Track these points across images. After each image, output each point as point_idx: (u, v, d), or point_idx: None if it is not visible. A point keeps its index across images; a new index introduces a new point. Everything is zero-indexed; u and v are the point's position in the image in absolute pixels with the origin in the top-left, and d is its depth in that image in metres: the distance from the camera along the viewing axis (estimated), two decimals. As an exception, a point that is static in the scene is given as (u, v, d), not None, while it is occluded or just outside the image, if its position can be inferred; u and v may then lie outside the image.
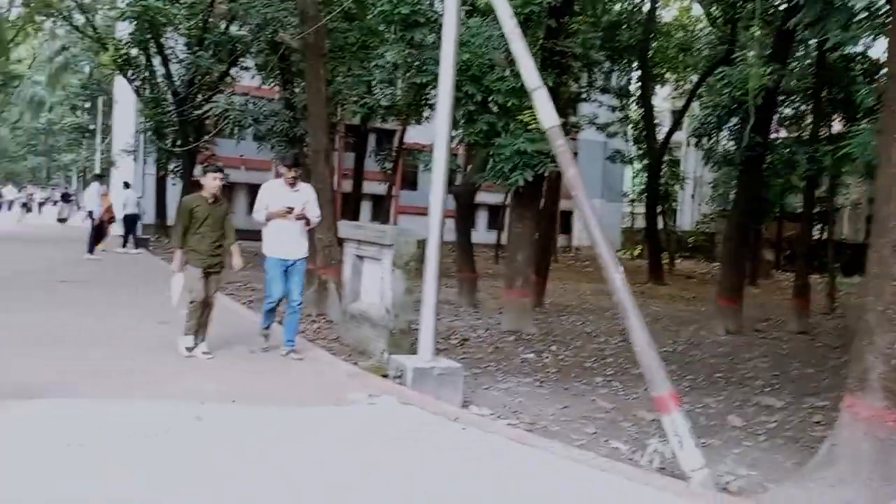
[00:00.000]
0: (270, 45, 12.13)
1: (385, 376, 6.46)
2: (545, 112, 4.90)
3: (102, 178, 18.18)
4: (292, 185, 7.22)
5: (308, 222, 7.38)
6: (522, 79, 5.23)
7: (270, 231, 7.18)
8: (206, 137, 21.60)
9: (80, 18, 30.68)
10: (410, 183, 33.16)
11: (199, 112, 17.16)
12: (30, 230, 26.01)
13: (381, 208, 28.58)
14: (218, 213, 6.90)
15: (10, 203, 40.21)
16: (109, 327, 8.17)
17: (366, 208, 30.15)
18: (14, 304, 9.21)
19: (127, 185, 19.80)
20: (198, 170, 25.19)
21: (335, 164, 18.22)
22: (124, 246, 18.96)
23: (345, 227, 9.18)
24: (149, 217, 24.16)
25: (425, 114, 14.77)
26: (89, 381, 5.67)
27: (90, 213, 17.05)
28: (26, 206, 32.75)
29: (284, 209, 7.00)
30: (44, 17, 28.57)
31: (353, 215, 20.67)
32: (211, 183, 6.83)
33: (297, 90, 12.50)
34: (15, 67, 41.48)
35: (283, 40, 10.69)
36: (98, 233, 17.02)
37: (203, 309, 6.89)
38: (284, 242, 7.15)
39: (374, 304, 8.16)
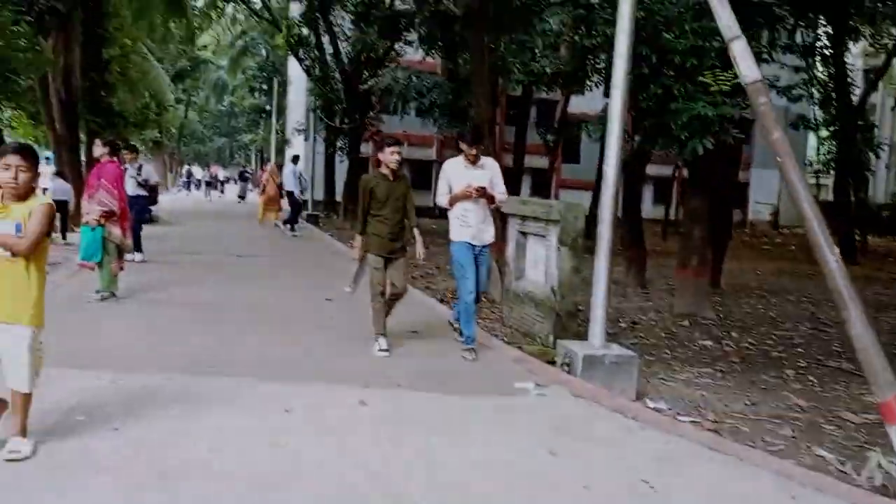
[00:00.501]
0: (434, 16, 11.93)
1: (551, 362, 6.03)
2: (746, 65, 4.20)
3: (297, 158, 18.95)
4: (474, 161, 6.49)
5: (493, 200, 6.62)
6: (719, 28, 4.52)
7: (456, 214, 6.45)
8: (372, 113, 22.01)
9: (257, 2, 32.59)
10: (572, 155, 32.15)
11: (365, 87, 17.38)
12: (212, 206, 27.91)
13: (542, 182, 27.94)
14: (398, 191, 6.23)
15: (199, 182, 43.66)
16: (282, 304, 8.38)
17: (526, 182, 29.64)
18: (194, 279, 9.73)
19: (296, 160, 19.94)
20: (364, 146, 26.08)
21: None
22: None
23: (508, 203, 8.78)
24: (318, 194, 25.15)
25: (592, 80, 14.00)
26: (253, 363, 5.70)
27: (290, 194, 17.85)
28: (210, 185, 35.33)
29: (470, 189, 6.28)
30: (224, 2, 30.37)
31: (513, 190, 20.18)
32: (389, 157, 6.18)
33: (460, 62, 12.26)
34: (201, 53, 44.74)
35: (446, 8, 10.44)
36: (296, 211, 17.91)
37: (392, 300, 6.38)
38: (472, 226, 6.40)
39: (538, 283, 7.76)
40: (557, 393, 5.19)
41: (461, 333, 6.50)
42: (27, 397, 3.53)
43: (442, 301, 9.39)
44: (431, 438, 4.16)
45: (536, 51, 12.27)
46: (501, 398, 5.15)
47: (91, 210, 7.64)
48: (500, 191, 6.69)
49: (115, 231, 7.77)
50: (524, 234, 8.35)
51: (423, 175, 32.60)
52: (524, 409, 4.92)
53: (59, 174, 14.86)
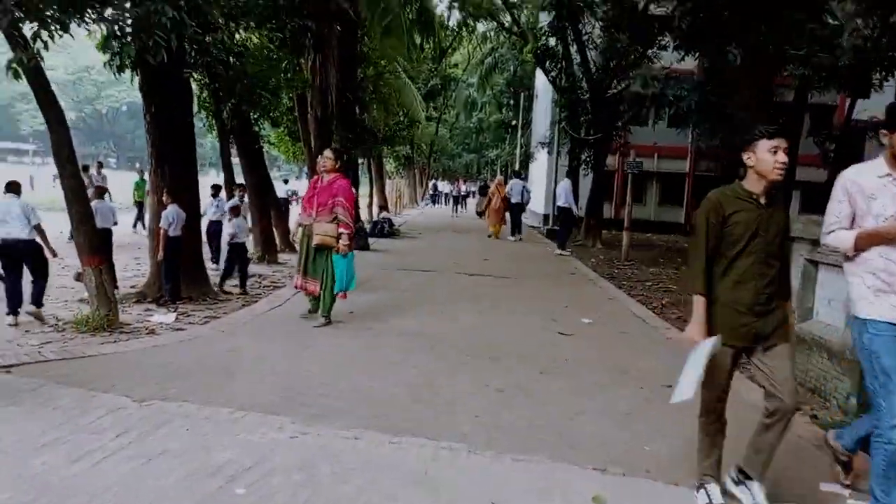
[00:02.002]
0: (696, 7, 10.31)
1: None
2: None
3: (520, 174, 18.37)
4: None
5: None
6: None
7: (871, 266, 3.42)
8: (620, 123, 20.53)
9: (507, 19, 32.67)
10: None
11: (614, 92, 16.01)
12: (457, 222, 28.02)
13: (816, 198, 24.23)
14: (774, 225, 3.40)
15: (445, 196, 44.84)
16: (509, 337, 7.31)
17: (795, 198, 26.12)
18: (419, 301, 9.02)
19: (518, 175, 20.21)
20: (610, 159, 24.64)
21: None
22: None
23: (794, 223, 6.93)
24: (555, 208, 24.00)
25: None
26: (459, 419, 4.62)
27: (563, 210, 17.11)
28: (457, 200, 35.79)
29: None
30: (474, 21, 30.74)
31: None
32: (766, 161, 3.33)
33: (729, 57, 10.51)
34: (452, 72, 46.03)
35: (713, -6, 8.86)
36: (568, 229, 17.30)
37: (772, 423, 3.39)
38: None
39: (831, 327, 5.96)
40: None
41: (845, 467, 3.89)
42: None
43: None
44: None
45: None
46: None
47: (324, 230, 7.09)
48: None
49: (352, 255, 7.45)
50: (814, 263, 6.59)
51: (675, 190, 30.27)
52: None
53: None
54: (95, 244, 7.50)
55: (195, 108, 12.02)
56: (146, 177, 14.99)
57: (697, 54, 12.37)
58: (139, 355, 5.58)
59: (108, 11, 6.97)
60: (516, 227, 20.83)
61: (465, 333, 7.13)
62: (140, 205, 17.69)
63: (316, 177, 7.51)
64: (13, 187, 7.85)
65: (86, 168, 15.75)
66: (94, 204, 9.34)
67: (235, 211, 10.54)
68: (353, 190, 7.54)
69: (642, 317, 8.65)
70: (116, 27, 7.00)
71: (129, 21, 7.05)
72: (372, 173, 28.34)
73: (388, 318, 7.66)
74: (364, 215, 23.39)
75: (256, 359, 5.60)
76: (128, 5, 7.26)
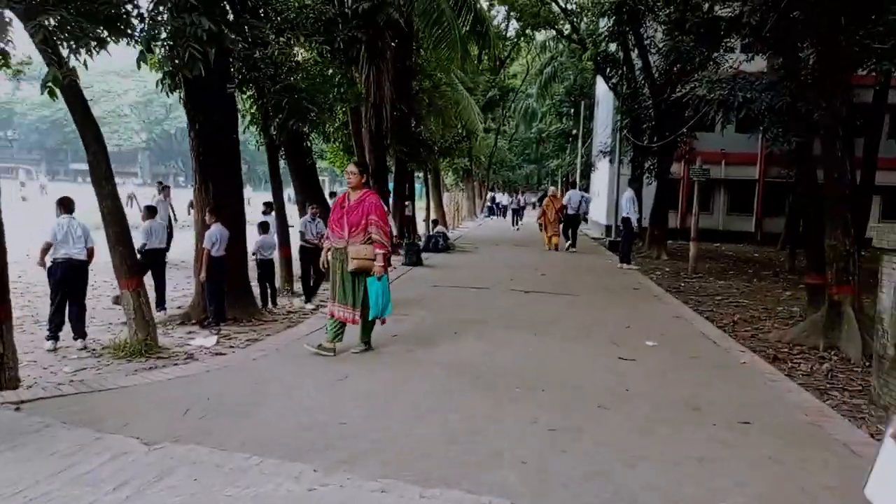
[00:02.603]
0: (767, 8, 9.54)
1: None
2: None
3: (633, 183, 17.58)
4: None
5: None
6: None
7: None
8: (684, 129, 19.65)
9: (566, 27, 32.07)
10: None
11: (679, 95, 15.23)
12: (517, 234, 27.41)
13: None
14: None
15: (504, 208, 44.24)
16: (564, 364, 6.71)
17: (875, 203, 24.59)
18: (468, 323, 8.51)
19: (574, 185, 19.70)
20: (675, 166, 23.70)
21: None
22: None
23: (886, 233, 6.17)
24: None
25: None
26: (505, 467, 4.09)
27: (625, 220, 16.42)
28: (517, 212, 35.10)
29: None
30: (533, 30, 30.20)
31: (861, 214, 16.41)
32: None
33: (804, 55, 9.67)
34: (511, 82, 45.50)
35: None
36: (630, 241, 16.61)
37: None
38: None
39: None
40: None
41: None
42: None
43: None
44: None
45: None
46: None
47: (361, 253, 6.49)
48: None
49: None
50: (918, 281, 5.84)
51: (745, 198, 28.98)
52: None
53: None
54: (133, 266, 7.27)
55: (245, 124, 11.90)
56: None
57: (768, 54, 11.51)
58: (162, 388, 5.23)
59: (141, 26, 6.74)
60: (571, 238, 20.91)
61: (517, 360, 6.54)
62: None
63: (341, 195, 6.97)
64: (69, 205, 7.69)
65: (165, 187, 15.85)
66: (145, 224, 9.22)
67: (264, 227, 10.47)
68: (384, 206, 6.94)
69: (712, 338, 7.93)
70: (152, 42, 6.76)
71: (163, 35, 6.81)
72: (429, 186, 28.01)
73: (434, 344, 7.12)
74: (421, 229, 23.08)
75: (285, 391, 5.18)
76: (166, 17, 7.06)
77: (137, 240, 8.54)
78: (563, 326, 8.30)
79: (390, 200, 19.34)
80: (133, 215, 9.13)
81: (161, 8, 6.92)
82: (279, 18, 11.44)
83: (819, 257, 9.54)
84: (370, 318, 6.64)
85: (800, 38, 9.80)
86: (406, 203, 20.48)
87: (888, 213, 24.74)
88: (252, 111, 11.32)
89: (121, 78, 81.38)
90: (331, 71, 14.65)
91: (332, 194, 17.40)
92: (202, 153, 8.88)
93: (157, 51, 7.27)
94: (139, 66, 6.97)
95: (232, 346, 7.51)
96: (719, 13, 18.22)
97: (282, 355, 6.55)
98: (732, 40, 18.20)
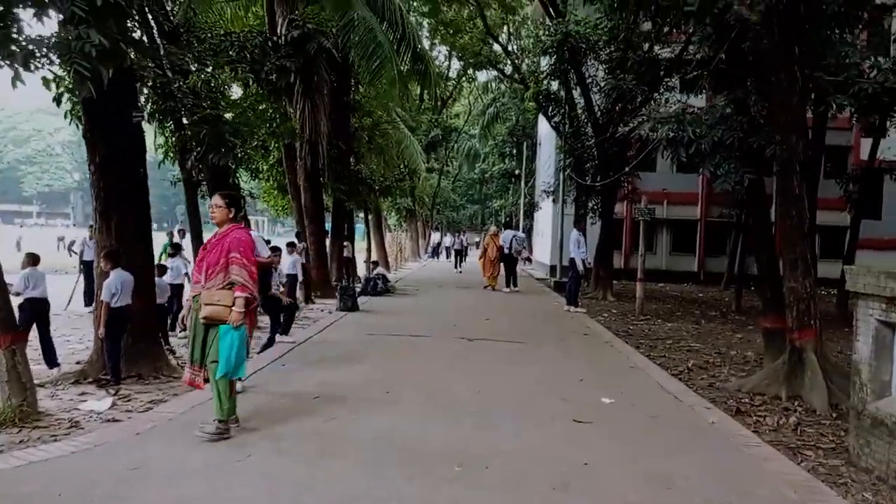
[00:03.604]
0: (717, 29, 9.15)
1: None
2: None
3: (579, 224, 16.88)
4: None
5: None
6: None
7: None
8: (627, 168, 19.38)
9: (508, 67, 32.03)
10: (870, 210, 26.73)
11: (623, 133, 14.90)
12: (461, 277, 26.73)
13: (834, 243, 23.20)
14: None
15: (447, 248, 43.63)
16: (506, 439, 5.87)
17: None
18: (386, 386, 7.62)
19: (508, 226, 19.63)
20: (619, 206, 23.48)
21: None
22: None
23: (861, 276, 5.60)
24: (566, 259, 22.73)
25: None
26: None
27: (572, 262, 15.75)
28: (461, 253, 34.31)
29: None
30: (475, 70, 30.07)
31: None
32: None
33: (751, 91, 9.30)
34: (454, 122, 45.35)
35: (738, 14, 7.67)
36: (578, 283, 16.02)
37: None
38: None
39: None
40: None
41: None
42: None
43: None
44: None
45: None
46: None
47: (215, 298, 5.29)
48: None
49: (246, 326, 5.48)
50: (891, 325, 5.30)
51: (687, 238, 29.03)
52: None
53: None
54: (6, 319, 6.19)
55: (158, 158, 10.92)
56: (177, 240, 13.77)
57: (713, 89, 11.16)
58: (12, 478, 4.18)
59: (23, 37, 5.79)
60: (510, 278, 20.80)
61: (456, 430, 5.58)
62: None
63: (211, 236, 5.80)
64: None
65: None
66: (24, 271, 8.08)
67: (161, 270, 9.75)
68: (254, 243, 5.70)
69: (673, 392, 7.22)
70: (30, 59, 5.80)
71: (46, 51, 5.87)
72: (369, 227, 27.16)
73: (361, 408, 6.12)
74: (361, 271, 22.14)
75: (164, 480, 4.17)
76: (51, 32, 6.15)
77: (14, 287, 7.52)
78: (511, 381, 7.44)
79: (327, 242, 18.44)
80: (63, 258, 8.06)
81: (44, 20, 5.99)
82: (202, 46, 10.61)
83: (775, 300, 9.05)
84: (217, 377, 5.29)
85: (750, 73, 9.43)
86: (345, 244, 19.58)
87: (825, 252, 25.00)
88: (167, 145, 10.34)
89: (51, 116, 78.83)
90: (263, 105, 13.83)
91: (298, 234, 16.46)
92: (103, 189, 7.87)
93: (47, 72, 6.34)
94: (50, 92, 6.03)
95: (130, 410, 6.45)
96: (659, 54, 18.22)
97: (173, 427, 5.46)
98: (673, 79, 18.17)
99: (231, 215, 5.54)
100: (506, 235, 21.42)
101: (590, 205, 21.92)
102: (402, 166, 27.72)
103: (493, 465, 4.55)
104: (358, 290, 15.81)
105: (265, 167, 18.67)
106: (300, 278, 13.26)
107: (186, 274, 11.15)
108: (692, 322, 14.75)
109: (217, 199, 5.60)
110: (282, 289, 10.40)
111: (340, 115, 18.56)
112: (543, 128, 33.38)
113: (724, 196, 23.10)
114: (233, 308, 5.25)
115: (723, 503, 3.98)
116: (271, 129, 14.59)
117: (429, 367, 8.08)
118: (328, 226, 19.09)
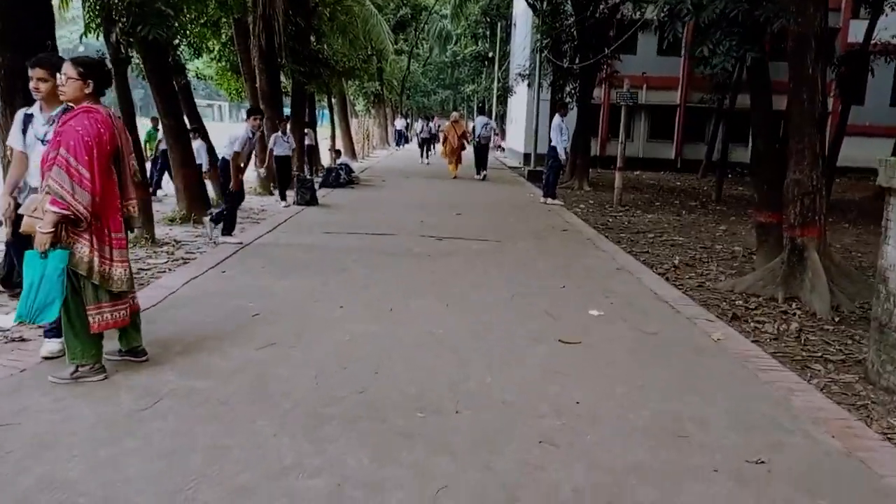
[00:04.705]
0: None
1: None
2: None
3: (562, 109, 15.46)
4: None
5: None
6: None
7: None
8: (609, 50, 18.09)
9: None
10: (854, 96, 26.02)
11: (605, 10, 13.56)
12: (429, 168, 25.57)
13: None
14: None
15: (413, 137, 42.01)
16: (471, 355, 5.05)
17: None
18: (332, 296, 6.71)
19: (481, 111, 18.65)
20: (597, 91, 22.24)
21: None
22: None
23: (893, 168, 4.70)
24: (541, 147, 21.68)
25: None
26: None
27: (552, 150, 14.64)
28: (428, 141, 32.38)
29: None
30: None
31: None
32: None
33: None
34: (424, 0, 42.67)
35: None
36: (557, 173, 15.15)
37: None
38: None
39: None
40: None
41: None
42: None
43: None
44: None
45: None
46: None
47: (35, 209, 3.93)
48: None
49: (85, 251, 3.99)
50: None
51: (665, 124, 28.06)
52: None
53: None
54: None
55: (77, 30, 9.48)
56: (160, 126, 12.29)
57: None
58: None
59: None
60: (480, 165, 20.76)
61: (421, 358, 4.58)
62: (156, 161, 14.14)
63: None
64: None
65: None
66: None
67: None
68: (100, 134, 3.91)
69: (668, 300, 6.41)
70: None
71: None
72: (333, 112, 25.64)
73: (303, 333, 5.01)
74: (326, 160, 20.92)
75: (35, 447, 3.15)
76: None
77: None
78: (484, 291, 6.52)
79: (288, 128, 17.08)
80: None
81: None
82: None
83: (773, 193, 8.26)
84: (15, 320, 4.17)
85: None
86: (306, 131, 18.22)
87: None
88: (90, 13, 8.89)
89: None
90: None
91: (251, 111, 15.05)
92: (4, 68, 6.60)
93: None
94: None
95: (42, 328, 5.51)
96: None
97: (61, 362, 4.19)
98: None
99: (88, 90, 4.01)
100: (477, 121, 21.13)
101: (567, 89, 20.71)
102: (368, 48, 25.92)
103: (465, 409, 3.72)
104: (318, 181, 14.71)
105: (217, 46, 17.09)
106: (206, 168, 12.08)
107: None
108: (673, 213, 14.04)
109: (68, 69, 3.99)
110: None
111: (297, -12, 16.80)
112: (519, 6, 31.47)
113: (705, 80, 22.04)
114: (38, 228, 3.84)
115: (747, 459, 3.22)
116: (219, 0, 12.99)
117: (391, 275, 7.12)
118: (287, 111, 17.69)
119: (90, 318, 4.01)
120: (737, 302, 6.89)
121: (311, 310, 5.66)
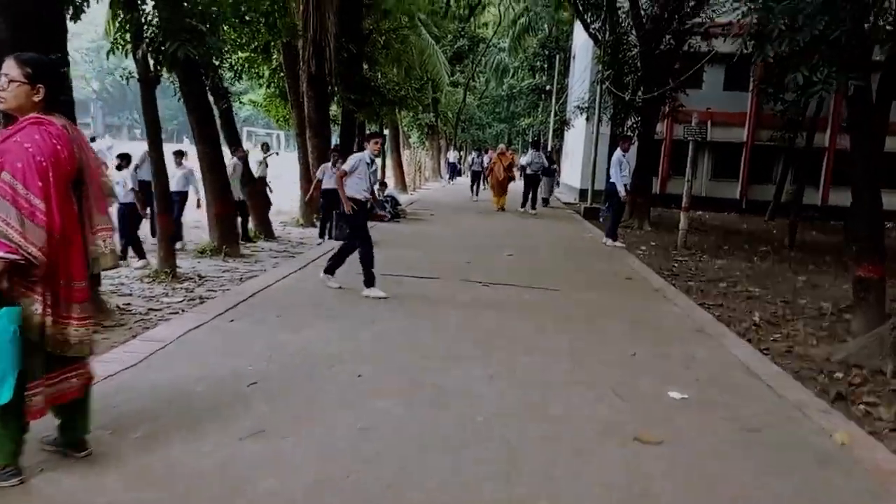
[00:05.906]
0: None
1: None
2: None
3: (624, 142, 14.39)
4: None
5: None
6: None
7: None
8: (676, 83, 17.03)
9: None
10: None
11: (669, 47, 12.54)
12: (478, 203, 24.61)
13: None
14: None
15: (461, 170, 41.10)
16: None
17: None
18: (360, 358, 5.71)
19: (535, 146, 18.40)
20: (660, 126, 21.08)
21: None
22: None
23: None
24: (599, 184, 20.58)
25: None
26: None
27: (612, 188, 13.61)
28: (478, 175, 31.22)
29: None
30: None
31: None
32: None
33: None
34: (481, 32, 42.21)
35: None
36: (619, 213, 14.01)
37: None
38: None
39: None
40: None
41: None
42: None
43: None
44: None
45: None
46: None
47: None
48: None
49: (36, 308, 3.03)
50: None
51: (731, 162, 26.66)
52: None
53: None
54: None
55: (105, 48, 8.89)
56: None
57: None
58: None
59: None
60: (528, 200, 19.99)
61: (448, 464, 3.47)
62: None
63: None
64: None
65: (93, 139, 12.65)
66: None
67: None
68: (58, 150, 3.01)
69: (765, 378, 5.19)
70: None
71: None
72: (385, 143, 25.05)
73: (304, 417, 3.96)
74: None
75: None
76: None
77: None
78: (538, 358, 5.44)
79: (339, 160, 16.30)
80: None
81: None
82: None
83: (875, 242, 7.12)
84: None
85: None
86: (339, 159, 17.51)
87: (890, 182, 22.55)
88: (121, 28, 8.27)
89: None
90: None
91: (265, 145, 14.40)
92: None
93: None
94: None
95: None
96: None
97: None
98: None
99: (38, 97, 3.07)
100: (529, 155, 20.40)
101: (628, 123, 19.66)
102: (424, 78, 25.35)
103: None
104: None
105: (268, 71, 16.60)
106: (195, 196, 11.34)
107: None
108: (743, 259, 12.76)
109: (11, 68, 3.04)
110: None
111: (352, 14, 16.21)
112: (579, 40, 30.60)
113: (774, 118, 20.72)
114: None
115: None
116: (268, 22, 12.38)
117: (427, 332, 6.09)
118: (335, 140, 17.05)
119: (27, 402, 3.02)
120: (836, 375, 5.71)
121: (323, 378, 4.66)
